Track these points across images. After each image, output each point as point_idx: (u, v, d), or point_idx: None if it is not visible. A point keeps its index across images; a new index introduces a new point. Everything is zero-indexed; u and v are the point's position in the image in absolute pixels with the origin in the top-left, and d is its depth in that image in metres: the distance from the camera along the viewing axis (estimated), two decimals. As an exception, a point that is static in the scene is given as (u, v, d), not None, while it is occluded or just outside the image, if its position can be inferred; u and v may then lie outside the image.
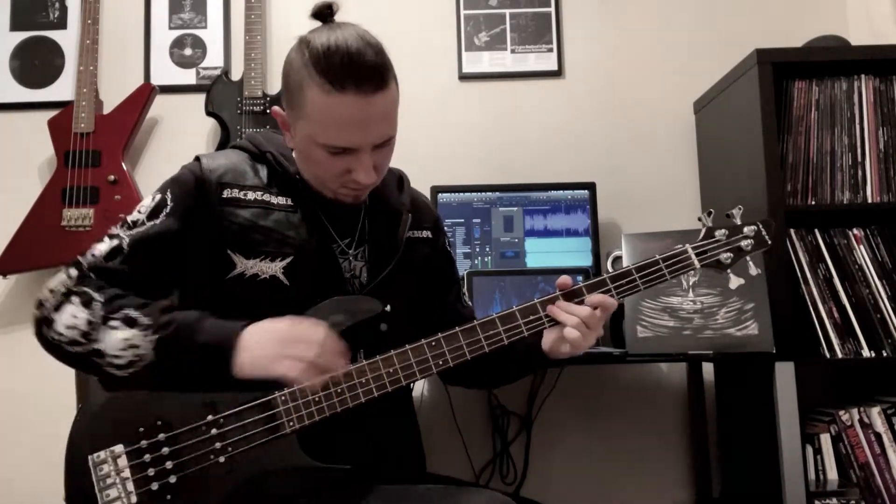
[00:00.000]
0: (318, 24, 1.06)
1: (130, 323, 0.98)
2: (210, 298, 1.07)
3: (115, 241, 1.06)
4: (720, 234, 1.15)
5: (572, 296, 1.08)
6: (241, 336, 0.98)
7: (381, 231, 1.18)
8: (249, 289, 1.06)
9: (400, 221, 1.19)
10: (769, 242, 1.16)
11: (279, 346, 0.96)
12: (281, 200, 1.11)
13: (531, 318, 1.08)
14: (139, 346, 0.98)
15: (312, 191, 1.13)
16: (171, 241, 1.07)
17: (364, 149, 1.03)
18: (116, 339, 0.98)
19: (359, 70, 0.98)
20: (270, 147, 1.14)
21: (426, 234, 1.25)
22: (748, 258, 1.16)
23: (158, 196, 1.09)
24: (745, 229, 1.15)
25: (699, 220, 1.17)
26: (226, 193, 1.09)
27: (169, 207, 1.08)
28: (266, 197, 1.10)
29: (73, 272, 1.04)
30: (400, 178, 1.26)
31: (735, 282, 1.15)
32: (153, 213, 1.08)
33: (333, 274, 1.10)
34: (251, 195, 1.10)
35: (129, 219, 1.08)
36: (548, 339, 1.11)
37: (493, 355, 1.07)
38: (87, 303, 1.00)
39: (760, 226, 1.16)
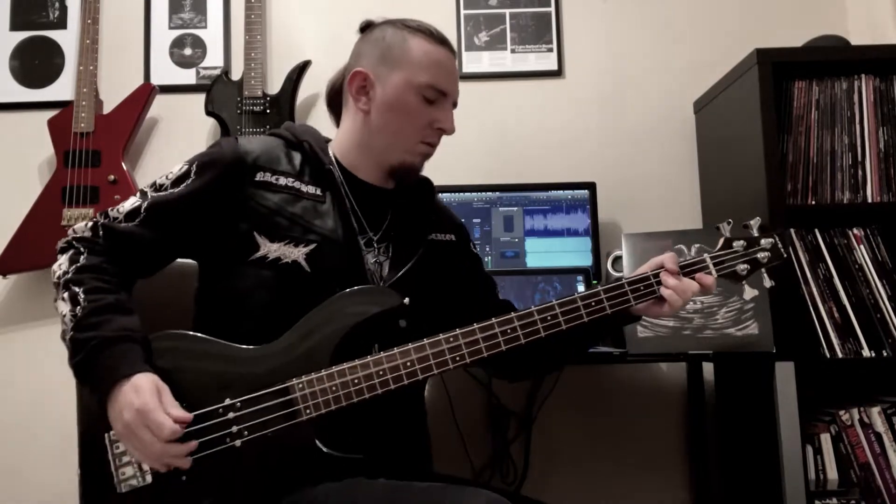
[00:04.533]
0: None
1: (73, 302, 1.01)
2: (232, 279, 1.09)
3: (138, 202, 1.09)
4: (738, 245, 1.16)
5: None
6: (121, 387, 0.96)
7: (405, 228, 1.20)
8: (271, 272, 1.07)
9: (424, 221, 1.23)
10: (784, 256, 1.17)
11: (135, 418, 0.94)
12: (311, 189, 1.14)
13: (569, 308, 1.09)
14: (66, 325, 1.01)
15: (345, 183, 1.17)
16: (187, 211, 1.09)
17: (450, 99, 1.18)
18: (61, 307, 1.02)
19: (445, 38, 1.18)
20: (307, 137, 1.18)
21: (450, 237, 1.28)
22: (763, 270, 1.16)
23: (186, 166, 1.12)
24: (763, 241, 1.16)
25: (717, 228, 1.18)
26: (259, 176, 1.11)
27: (193, 179, 1.10)
28: (296, 184, 1.13)
29: (89, 225, 1.10)
30: (427, 184, 1.29)
31: (749, 293, 1.16)
32: (177, 182, 1.11)
33: (356, 265, 1.12)
34: (283, 180, 1.13)
35: (158, 181, 1.12)
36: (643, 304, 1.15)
37: (533, 346, 1.08)
38: (73, 259, 1.06)
39: (777, 239, 1.17)
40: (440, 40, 1.17)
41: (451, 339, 1.05)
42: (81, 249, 1.07)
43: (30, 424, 2.01)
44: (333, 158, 1.19)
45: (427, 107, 1.15)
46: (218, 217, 1.09)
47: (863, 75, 1.67)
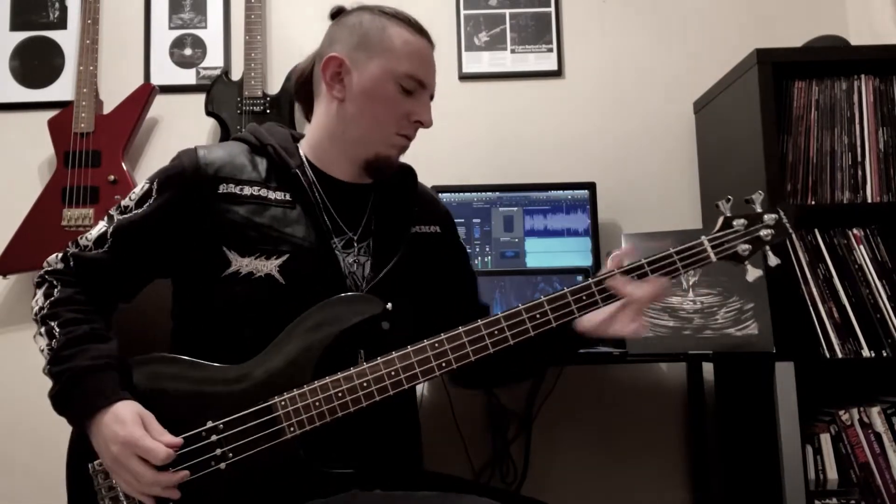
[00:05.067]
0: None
1: (50, 336, 1.01)
2: (206, 296, 1.06)
3: (105, 227, 1.08)
4: (739, 223, 1.07)
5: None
6: (101, 418, 0.95)
7: (386, 224, 1.16)
8: (245, 288, 1.03)
9: (406, 214, 1.18)
10: (790, 231, 1.07)
11: (122, 450, 0.93)
12: (279, 195, 1.09)
13: (548, 309, 1.04)
14: (44, 359, 1.01)
15: (317, 183, 1.12)
16: (153, 231, 1.07)
17: (428, 91, 1.14)
18: (39, 342, 1.03)
19: (424, 28, 1.16)
20: (272, 140, 1.13)
21: (434, 228, 1.23)
22: (767, 248, 1.08)
23: (147, 185, 1.09)
24: (766, 217, 1.07)
25: (717, 206, 1.09)
26: (222, 188, 1.07)
27: (154, 198, 1.08)
28: (263, 192, 1.08)
29: (59, 256, 1.09)
30: (409, 172, 1.23)
31: (753, 274, 1.06)
32: (140, 202, 1.08)
33: (332, 272, 1.07)
34: (248, 190, 1.08)
35: (123, 202, 1.10)
36: (594, 319, 1.07)
37: (508, 353, 1.03)
38: (47, 294, 1.05)
39: (782, 213, 1.08)
40: (419, 30, 1.14)
41: (437, 345, 1.01)
42: (54, 283, 1.06)
43: (30, 425, 2.01)
44: (304, 159, 1.14)
45: (405, 98, 1.10)
46: (184, 234, 1.06)
47: (863, 75, 1.67)
